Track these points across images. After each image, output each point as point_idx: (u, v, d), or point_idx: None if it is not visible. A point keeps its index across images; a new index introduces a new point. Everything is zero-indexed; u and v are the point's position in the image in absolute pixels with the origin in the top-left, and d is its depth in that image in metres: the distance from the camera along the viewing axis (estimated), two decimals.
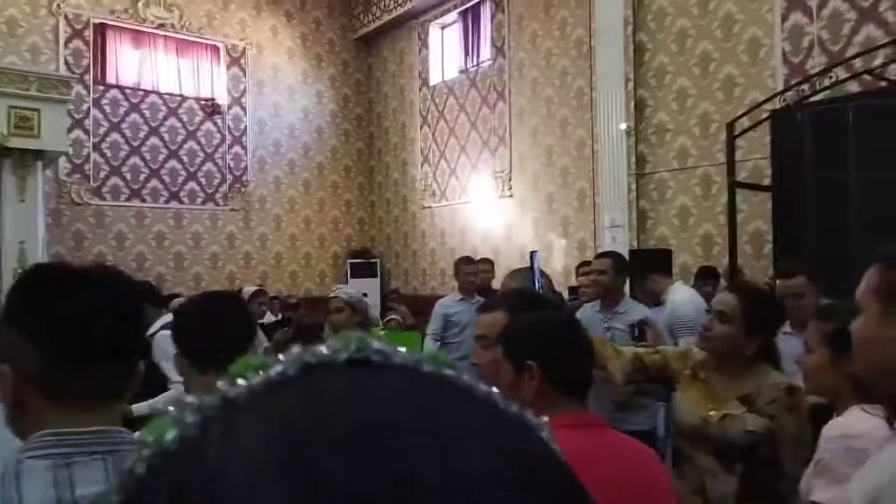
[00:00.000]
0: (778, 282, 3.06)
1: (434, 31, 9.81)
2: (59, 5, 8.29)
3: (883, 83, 4.37)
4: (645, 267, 5.71)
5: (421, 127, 9.93)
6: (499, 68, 8.58)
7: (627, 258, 6.28)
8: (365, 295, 9.66)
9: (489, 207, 8.61)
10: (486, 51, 8.91)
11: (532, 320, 1.46)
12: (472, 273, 4.87)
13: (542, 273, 3.14)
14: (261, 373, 0.24)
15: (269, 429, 0.22)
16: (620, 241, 6.45)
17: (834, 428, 1.50)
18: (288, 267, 10.10)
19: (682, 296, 3.77)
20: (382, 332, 3.46)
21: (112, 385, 0.96)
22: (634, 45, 6.66)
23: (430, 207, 9.74)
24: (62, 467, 0.87)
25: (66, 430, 0.90)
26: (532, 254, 3.12)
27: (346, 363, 0.25)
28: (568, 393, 1.36)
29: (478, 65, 9.02)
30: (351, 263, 10.27)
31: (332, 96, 10.64)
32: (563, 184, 7.64)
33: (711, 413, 1.93)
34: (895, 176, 3.84)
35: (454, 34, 9.55)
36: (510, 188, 8.34)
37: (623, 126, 6.58)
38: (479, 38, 9.11)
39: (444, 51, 9.73)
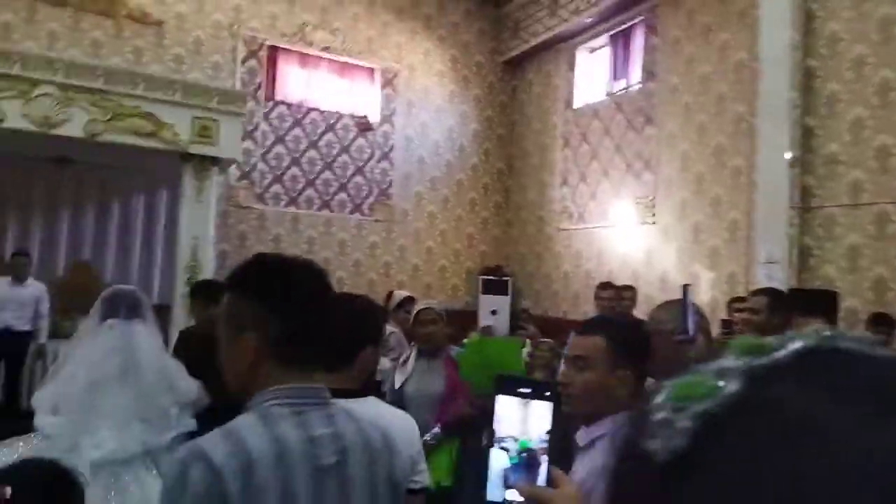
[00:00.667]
0: None
1: (582, 55, 9.78)
2: (238, 27, 9.17)
3: None
4: (804, 309, 5.30)
5: (562, 149, 9.90)
6: (648, 92, 8.38)
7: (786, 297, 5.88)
8: (494, 312, 9.73)
9: (629, 233, 8.39)
10: (635, 74, 8.74)
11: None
12: (609, 299, 4.77)
13: (697, 308, 3.01)
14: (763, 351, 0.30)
15: (821, 389, 0.28)
16: (777, 279, 6.02)
17: None
18: (423, 279, 10.40)
19: None
20: (476, 336, 3.59)
21: (329, 358, 1.24)
22: (803, 71, 6.25)
23: (566, 230, 9.65)
24: (299, 414, 1.12)
25: (303, 386, 1.15)
26: (685, 287, 3.00)
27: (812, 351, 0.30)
28: None
29: (626, 88, 8.86)
30: (483, 279, 10.39)
31: (475, 116, 10.90)
32: (713, 213, 7.29)
33: None
34: None
35: (603, 58, 9.46)
36: (653, 214, 8.08)
37: (788, 155, 6.18)
38: (628, 61, 8.97)
39: (591, 74, 9.66)
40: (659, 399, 0.31)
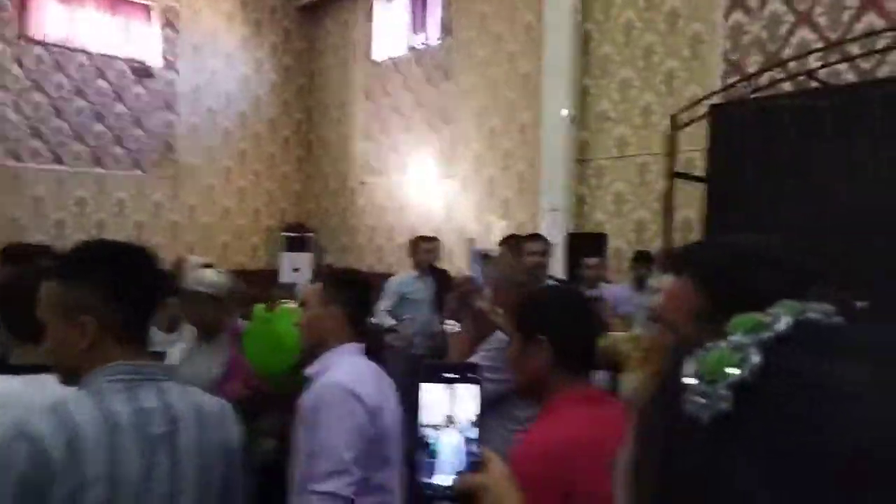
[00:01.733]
0: None
1: (379, 5, 9.62)
2: None
3: (815, 84, 4.60)
4: (580, 250, 5.87)
5: (363, 102, 9.77)
6: (446, 47, 8.52)
7: (566, 242, 6.44)
8: (297, 270, 9.47)
9: (431, 187, 8.60)
10: (433, 29, 8.83)
11: (544, 294, 1.48)
12: (432, 250, 4.87)
13: (500, 260, 3.13)
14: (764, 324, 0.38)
15: (828, 356, 0.36)
16: (559, 225, 6.58)
17: None
18: (219, 238, 9.77)
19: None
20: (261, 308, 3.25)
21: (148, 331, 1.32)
22: (581, 34, 6.76)
23: (369, 183, 9.63)
24: (130, 389, 1.21)
25: (137, 363, 1.24)
26: (471, 241, 3.11)
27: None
28: (576, 368, 1.37)
29: (426, 43, 8.93)
30: (285, 237, 10.04)
31: (272, 66, 10.31)
32: (504, 166, 7.71)
33: None
34: (826, 174, 4.08)
35: (400, 10, 9.40)
36: (452, 168, 8.35)
37: (565, 112, 6.69)
38: (426, 15, 9.02)
39: (390, 27, 9.57)
40: (689, 372, 0.37)
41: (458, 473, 0.75)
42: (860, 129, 3.94)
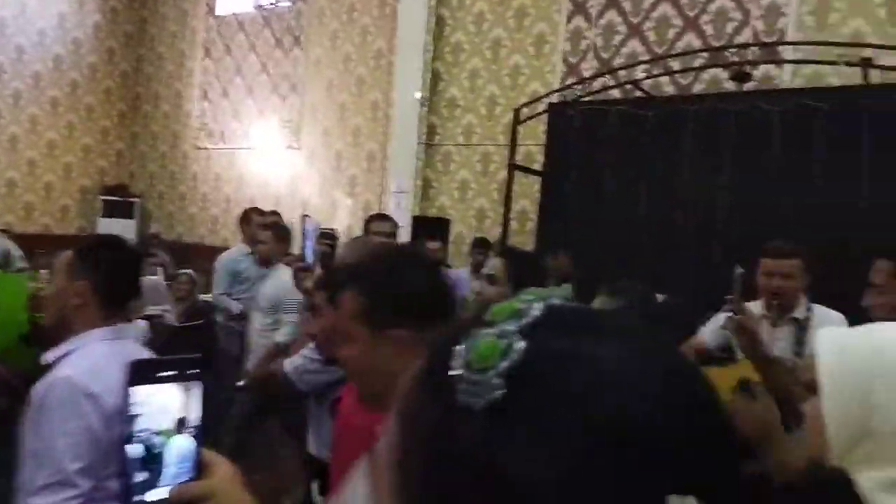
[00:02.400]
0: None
1: None
2: None
3: (640, 94, 5.05)
4: (423, 233, 5.98)
5: (202, 59, 9.09)
6: (297, 12, 8.17)
7: (410, 224, 6.52)
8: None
9: (273, 156, 8.24)
10: None
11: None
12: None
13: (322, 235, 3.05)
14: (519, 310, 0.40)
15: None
16: (404, 207, 6.64)
17: None
18: (23, 197, 8.63)
19: (287, 275, 3.61)
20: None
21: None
22: (435, 18, 6.82)
23: (205, 148, 9.01)
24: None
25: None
26: (304, 217, 3.01)
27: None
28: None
29: (275, 3, 8.48)
30: (104, 200, 9.11)
31: (96, 6, 9.21)
32: (353, 143, 7.60)
33: None
34: (645, 178, 4.51)
35: None
36: (298, 139, 8.06)
37: (418, 95, 6.73)
38: None
39: None
40: (457, 362, 0.38)
41: (179, 483, 0.67)
42: (676, 138, 4.40)
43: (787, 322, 2.26)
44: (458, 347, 0.39)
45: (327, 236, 2.96)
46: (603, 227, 4.60)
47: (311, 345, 2.05)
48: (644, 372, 0.37)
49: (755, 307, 2.18)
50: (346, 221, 7.34)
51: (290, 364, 2.07)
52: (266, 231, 4.09)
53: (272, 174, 8.24)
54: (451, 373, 0.38)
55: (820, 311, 2.24)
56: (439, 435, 0.38)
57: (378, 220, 3.65)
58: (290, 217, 7.25)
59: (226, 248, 5.16)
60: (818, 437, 0.78)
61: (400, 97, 6.88)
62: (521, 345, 0.38)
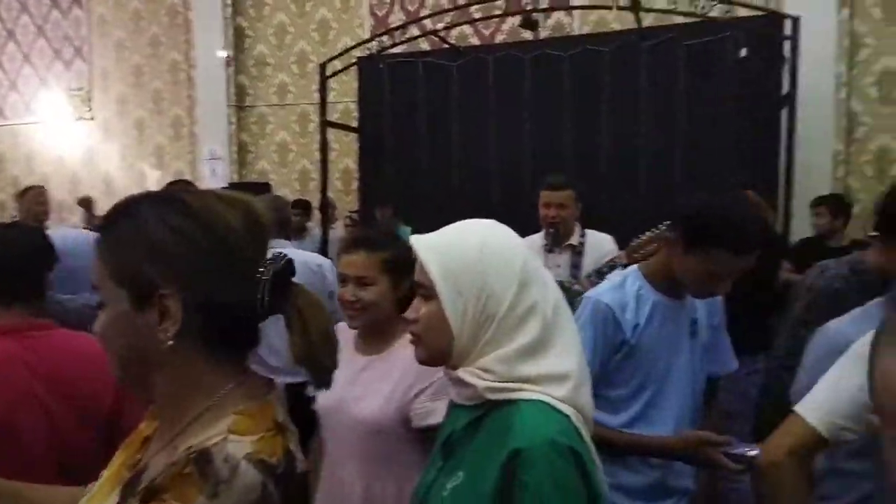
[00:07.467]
0: None
1: None
2: None
3: (446, 45, 5.11)
4: None
5: None
6: None
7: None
8: None
9: (64, 130, 7.38)
10: None
11: None
12: (42, 202, 4.30)
13: None
14: None
15: None
16: (221, 174, 6.29)
17: None
18: None
19: None
20: None
21: None
22: None
23: None
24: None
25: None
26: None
27: None
28: None
29: None
30: None
31: None
32: (155, 109, 7.00)
33: None
34: (457, 123, 4.62)
35: None
36: (90, 109, 7.27)
37: (222, 54, 6.32)
38: None
39: None
40: None
41: None
42: (482, 86, 4.54)
43: (564, 249, 2.45)
44: None
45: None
46: (421, 176, 4.66)
47: None
48: None
49: (537, 238, 2.33)
50: None
51: None
52: None
53: (65, 150, 7.39)
54: None
55: (592, 235, 2.45)
56: None
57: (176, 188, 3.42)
58: (94, 194, 6.58)
59: None
60: (441, 337, 0.88)
61: (202, 57, 6.42)
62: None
